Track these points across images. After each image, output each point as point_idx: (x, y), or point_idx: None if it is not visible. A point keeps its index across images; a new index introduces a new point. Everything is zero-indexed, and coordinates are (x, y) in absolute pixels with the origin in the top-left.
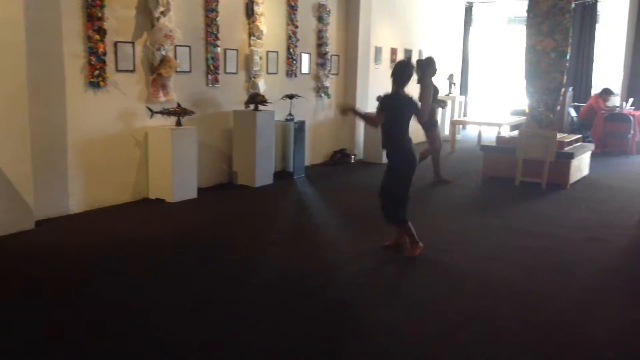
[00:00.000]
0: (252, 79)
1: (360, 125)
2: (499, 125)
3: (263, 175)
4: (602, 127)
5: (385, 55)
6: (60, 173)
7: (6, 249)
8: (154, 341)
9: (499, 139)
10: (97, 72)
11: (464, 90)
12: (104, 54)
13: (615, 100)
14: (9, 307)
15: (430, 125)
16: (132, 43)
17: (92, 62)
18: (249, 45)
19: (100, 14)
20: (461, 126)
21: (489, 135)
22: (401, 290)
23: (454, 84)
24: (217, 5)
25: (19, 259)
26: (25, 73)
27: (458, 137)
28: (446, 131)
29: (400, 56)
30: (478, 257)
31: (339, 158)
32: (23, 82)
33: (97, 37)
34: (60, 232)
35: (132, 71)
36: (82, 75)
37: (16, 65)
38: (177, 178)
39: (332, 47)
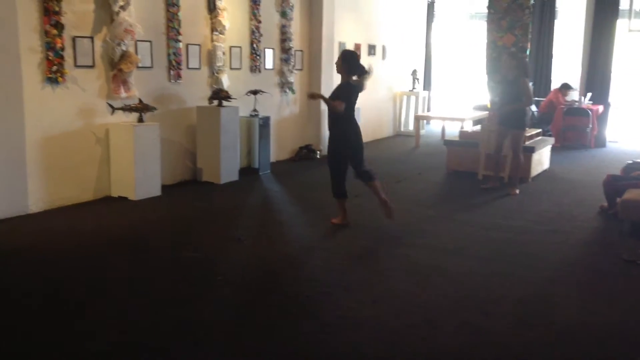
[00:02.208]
0: (216, 74)
1: (325, 120)
2: (462, 120)
3: (228, 171)
4: (561, 121)
5: None
6: (18, 171)
7: None
8: (115, 342)
9: (462, 133)
10: (55, 67)
11: (427, 85)
12: (62, 49)
13: (574, 95)
14: None
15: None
16: (91, 38)
17: (50, 58)
18: (212, 40)
19: (57, 8)
20: (425, 121)
21: (453, 130)
22: (366, 284)
23: (417, 79)
24: None
25: None
26: None
27: (422, 132)
28: (410, 126)
29: (364, 51)
30: (441, 250)
31: (305, 154)
32: None
33: (55, 31)
34: (19, 233)
35: (92, 67)
36: (39, 71)
37: None
38: (139, 175)
39: (296, 42)
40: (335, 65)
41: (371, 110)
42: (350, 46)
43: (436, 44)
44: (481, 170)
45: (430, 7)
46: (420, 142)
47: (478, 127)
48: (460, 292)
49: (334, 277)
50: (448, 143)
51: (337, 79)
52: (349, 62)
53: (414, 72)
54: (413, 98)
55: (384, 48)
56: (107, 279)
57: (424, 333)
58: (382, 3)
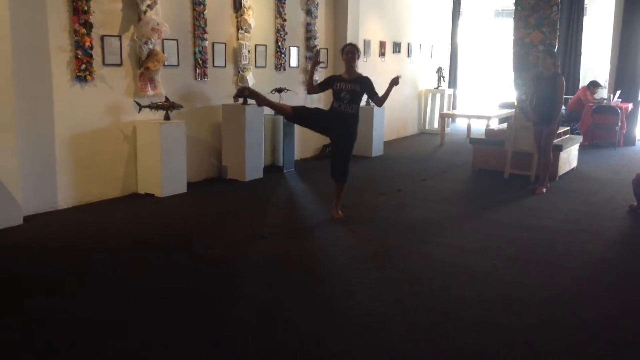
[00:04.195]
0: (241, 72)
1: None
2: (488, 117)
3: (253, 169)
4: (590, 119)
5: (374, 49)
6: (48, 168)
7: None
8: (143, 338)
9: (488, 131)
10: (83, 66)
11: (452, 83)
12: (91, 47)
13: (602, 93)
14: None
15: None
16: (119, 37)
17: (79, 56)
18: (237, 38)
19: (86, 8)
20: (450, 119)
21: (478, 128)
22: (391, 282)
23: (443, 76)
24: None
25: (5, 254)
26: (10, 68)
27: (447, 130)
28: (435, 124)
29: (389, 49)
30: (467, 249)
31: (329, 152)
32: (9, 76)
33: (83, 30)
34: (49, 228)
35: (120, 65)
36: (68, 70)
37: (1, 60)
38: (166, 173)
39: (321, 40)
40: (349, 58)
41: (396, 108)
42: (375, 44)
43: (462, 41)
44: (507, 169)
45: (456, 4)
46: (445, 140)
47: (504, 125)
48: (485, 292)
49: (358, 275)
50: (474, 141)
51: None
52: (355, 55)
53: (439, 70)
54: (438, 96)
55: (409, 46)
56: (134, 274)
57: (448, 332)
58: (408, 0)
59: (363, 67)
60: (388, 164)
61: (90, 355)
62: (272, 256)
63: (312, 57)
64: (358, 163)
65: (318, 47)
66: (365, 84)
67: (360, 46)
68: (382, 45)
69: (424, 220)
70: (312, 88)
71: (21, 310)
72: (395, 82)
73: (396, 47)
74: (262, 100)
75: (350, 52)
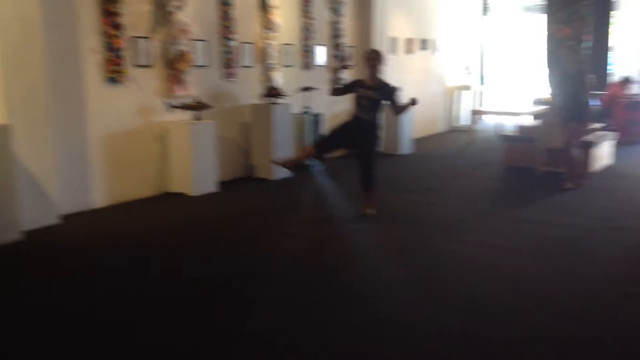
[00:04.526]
0: (268, 72)
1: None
2: (520, 114)
3: (281, 168)
4: (623, 115)
5: (401, 46)
6: (82, 168)
7: (32, 243)
8: (173, 337)
9: (520, 128)
10: (114, 67)
11: (481, 79)
12: (121, 49)
13: (635, 88)
14: (33, 299)
15: None
16: (149, 38)
17: (110, 58)
18: (264, 38)
19: (116, 9)
20: (479, 116)
21: (509, 125)
22: (421, 280)
23: (471, 73)
24: None
25: (44, 253)
26: (43, 70)
27: (477, 126)
28: (464, 121)
29: (416, 46)
30: (498, 247)
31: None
32: (43, 79)
33: (114, 32)
34: (84, 226)
35: (150, 66)
36: (100, 71)
37: (35, 62)
38: (197, 172)
39: (347, 38)
40: (370, 65)
41: (424, 105)
42: (402, 41)
43: (491, 37)
44: (540, 166)
45: None
46: (475, 137)
47: (538, 122)
48: (517, 290)
49: (388, 272)
50: (505, 138)
51: (389, 74)
52: (382, 60)
53: (468, 66)
54: (467, 93)
55: (436, 42)
56: (166, 272)
57: (479, 330)
58: None
59: (390, 64)
60: (417, 162)
61: (122, 351)
62: (300, 254)
63: (334, 67)
64: (386, 161)
65: (343, 61)
66: (386, 92)
67: (387, 43)
68: (409, 42)
69: (454, 218)
70: (336, 90)
71: (61, 306)
72: (413, 102)
73: (423, 43)
74: (292, 164)
75: (372, 59)
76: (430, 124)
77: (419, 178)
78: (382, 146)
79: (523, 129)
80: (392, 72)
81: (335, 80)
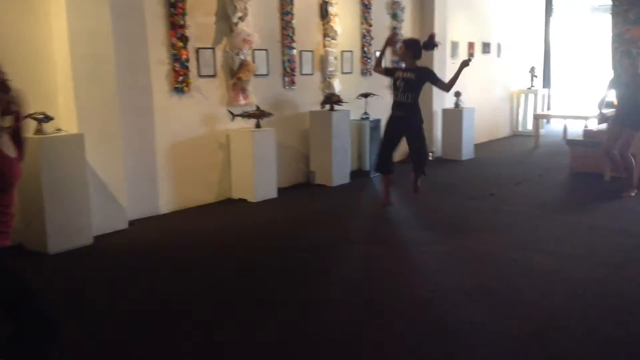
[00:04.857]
0: (328, 79)
1: (438, 121)
2: (586, 118)
3: (340, 174)
4: None
5: (462, 50)
6: (150, 175)
7: (103, 247)
8: (237, 339)
9: (587, 132)
10: (181, 78)
11: (546, 82)
12: (187, 60)
13: None
14: (111, 304)
15: None
16: (213, 49)
17: (176, 69)
18: (324, 46)
19: (182, 22)
20: (544, 120)
21: (575, 129)
22: (486, 289)
23: (536, 76)
24: (292, 8)
25: (114, 256)
26: (115, 81)
27: (541, 131)
28: (528, 126)
29: (478, 49)
30: (566, 255)
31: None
32: (114, 90)
33: (180, 44)
34: (152, 231)
35: (214, 76)
36: (167, 82)
37: (106, 74)
38: (258, 178)
39: None
40: (401, 53)
41: (487, 109)
42: (463, 45)
43: (556, 39)
44: (608, 171)
45: (549, 0)
46: (540, 142)
47: (604, 126)
48: (588, 299)
49: (452, 281)
50: (571, 143)
51: (447, 79)
52: (414, 48)
53: (532, 70)
54: (531, 96)
55: (499, 45)
56: (229, 276)
57: (548, 340)
58: None
59: (451, 68)
60: (479, 168)
61: (192, 352)
62: (361, 260)
63: (387, 38)
64: (447, 166)
65: (395, 31)
66: (423, 73)
67: (448, 48)
68: (471, 45)
69: (518, 226)
70: (378, 66)
71: (135, 307)
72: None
73: (485, 47)
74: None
75: (402, 47)
76: (492, 129)
77: (481, 184)
78: (440, 151)
79: (590, 134)
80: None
81: (379, 59)
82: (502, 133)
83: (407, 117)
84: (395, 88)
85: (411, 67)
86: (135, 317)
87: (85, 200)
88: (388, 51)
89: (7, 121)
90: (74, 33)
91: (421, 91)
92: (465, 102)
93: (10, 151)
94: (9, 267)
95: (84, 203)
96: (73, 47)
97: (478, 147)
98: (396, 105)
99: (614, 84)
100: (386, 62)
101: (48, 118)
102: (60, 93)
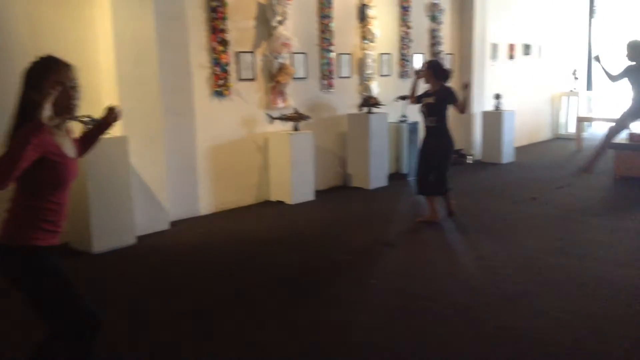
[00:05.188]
0: (365, 82)
1: (477, 124)
2: None
3: (377, 177)
4: None
5: (502, 52)
6: (191, 177)
7: (146, 247)
8: (279, 339)
9: (632, 136)
10: (221, 81)
11: (589, 85)
12: (227, 64)
13: None
14: (156, 299)
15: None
16: (252, 52)
17: (217, 72)
18: (362, 48)
19: (222, 26)
20: (587, 123)
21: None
22: (528, 295)
23: (577, 78)
24: (330, 11)
25: (157, 256)
26: (158, 84)
27: (584, 134)
28: (570, 129)
29: (519, 51)
30: (611, 262)
31: (455, 159)
32: (157, 93)
33: (221, 48)
34: (192, 232)
35: (253, 79)
36: (207, 85)
37: (150, 78)
38: (295, 181)
39: (446, 46)
40: (421, 76)
41: (527, 112)
42: (503, 47)
43: (599, 40)
44: None
45: (592, 1)
46: (583, 146)
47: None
48: (634, 307)
49: (493, 286)
50: (616, 146)
51: (489, 81)
52: (434, 68)
53: (574, 72)
54: (573, 99)
55: (540, 47)
56: (269, 276)
57: (593, 349)
58: (539, 0)
59: (491, 71)
60: (520, 171)
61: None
62: (399, 264)
63: (417, 70)
64: (487, 170)
65: (419, 68)
66: (443, 94)
67: (487, 49)
68: (511, 47)
69: (562, 230)
70: (412, 97)
71: (178, 306)
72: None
73: (526, 48)
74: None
75: (421, 70)
76: (533, 132)
77: (522, 188)
78: (479, 155)
79: (635, 137)
80: (493, 80)
81: (413, 90)
82: (544, 136)
83: (434, 141)
84: (421, 113)
85: (433, 91)
86: (178, 317)
87: (128, 201)
88: (420, 81)
89: (58, 120)
90: (119, 38)
91: (446, 112)
92: (506, 104)
93: (70, 151)
94: (54, 265)
95: (128, 204)
96: (118, 52)
97: (518, 150)
98: (425, 130)
99: (632, 76)
100: (418, 92)
101: (94, 121)
102: (105, 96)
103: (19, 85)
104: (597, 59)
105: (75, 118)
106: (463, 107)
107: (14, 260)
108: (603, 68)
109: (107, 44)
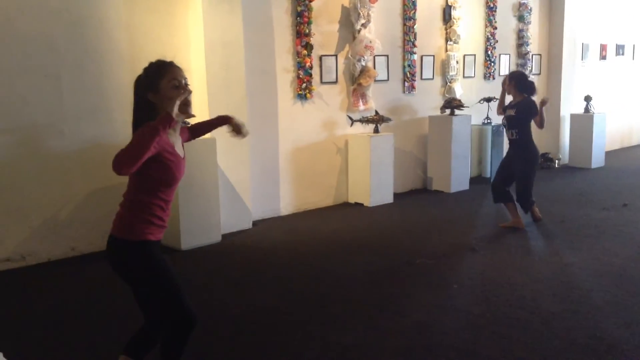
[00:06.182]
0: (448, 83)
1: (566, 127)
2: None
3: (458, 180)
4: None
5: (593, 53)
6: (273, 178)
7: (231, 245)
8: (360, 341)
9: None
10: (304, 85)
11: None
12: (311, 67)
13: None
14: (239, 293)
15: None
16: (335, 56)
17: (300, 76)
18: (446, 50)
19: (307, 31)
20: None
21: None
22: (619, 304)
23: None
24: (414, 13)
25: (241, 253)
26: (245, 88)
27: None
28: None
29: (611, 52)
30: None
31: (542, 162)
32: (244, 96)
33: (305, 52)
34: (274, 231)
35: (335, 82)
36: (291, 89)
37: (237, 81)
38: (374, 183)
39: (534, 46)
40: (504, 89)
41: (618, 115)
42: (595, 47)
43: None
44: None
45: None
46: None
47: None
48: None
49: (580, 294)
50: None
51: (579, 82)
52: (516, 80)
53: None
54: None
55: (634, 47)
56: (350, 278)
57: None
58: None
59: (580, 72)
60: (610, 176)
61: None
62: (482, 269)
63: (503, 82)
64: (575, 174)
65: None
66: (523, 106)
67: (579, 50)
68: (603, 48)
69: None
70: (499, 108)
71: (262, 303)
72: (543, 103)
73: (619, 49)
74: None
75: (505, 80)
76: (626, 136)
77: (614, 193)
78: (567, 158)
79: None
80: (582, 81)
81: (501, 102)
82: (636, 140)
83: (515, 154)
84: (503, 126)
85: (514, 103)
86: (263, 314)
87: (215, 200)
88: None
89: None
90: (210, 43)
91: (527, 125)
92: (597, 107)
93: (181, 151)
94: (165, 259)
95: (215, 203)
96: (208, 56)
97: (609, 154)
98: (508, 142)
99: None
100: (505, 103)
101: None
102: (195, 99)
103: (133, 90)
104: None
105: (192, 116)
106: (542, 123)
107: (130, 252)
108: None
109: (199, 49)
